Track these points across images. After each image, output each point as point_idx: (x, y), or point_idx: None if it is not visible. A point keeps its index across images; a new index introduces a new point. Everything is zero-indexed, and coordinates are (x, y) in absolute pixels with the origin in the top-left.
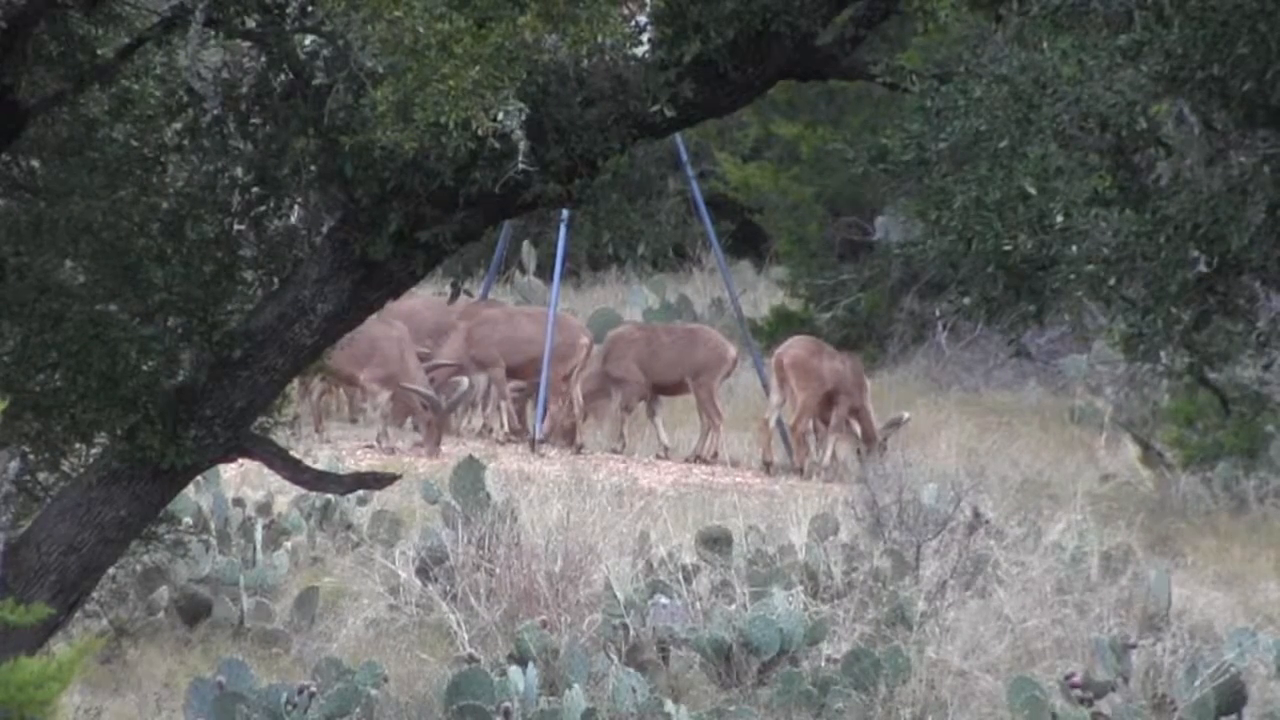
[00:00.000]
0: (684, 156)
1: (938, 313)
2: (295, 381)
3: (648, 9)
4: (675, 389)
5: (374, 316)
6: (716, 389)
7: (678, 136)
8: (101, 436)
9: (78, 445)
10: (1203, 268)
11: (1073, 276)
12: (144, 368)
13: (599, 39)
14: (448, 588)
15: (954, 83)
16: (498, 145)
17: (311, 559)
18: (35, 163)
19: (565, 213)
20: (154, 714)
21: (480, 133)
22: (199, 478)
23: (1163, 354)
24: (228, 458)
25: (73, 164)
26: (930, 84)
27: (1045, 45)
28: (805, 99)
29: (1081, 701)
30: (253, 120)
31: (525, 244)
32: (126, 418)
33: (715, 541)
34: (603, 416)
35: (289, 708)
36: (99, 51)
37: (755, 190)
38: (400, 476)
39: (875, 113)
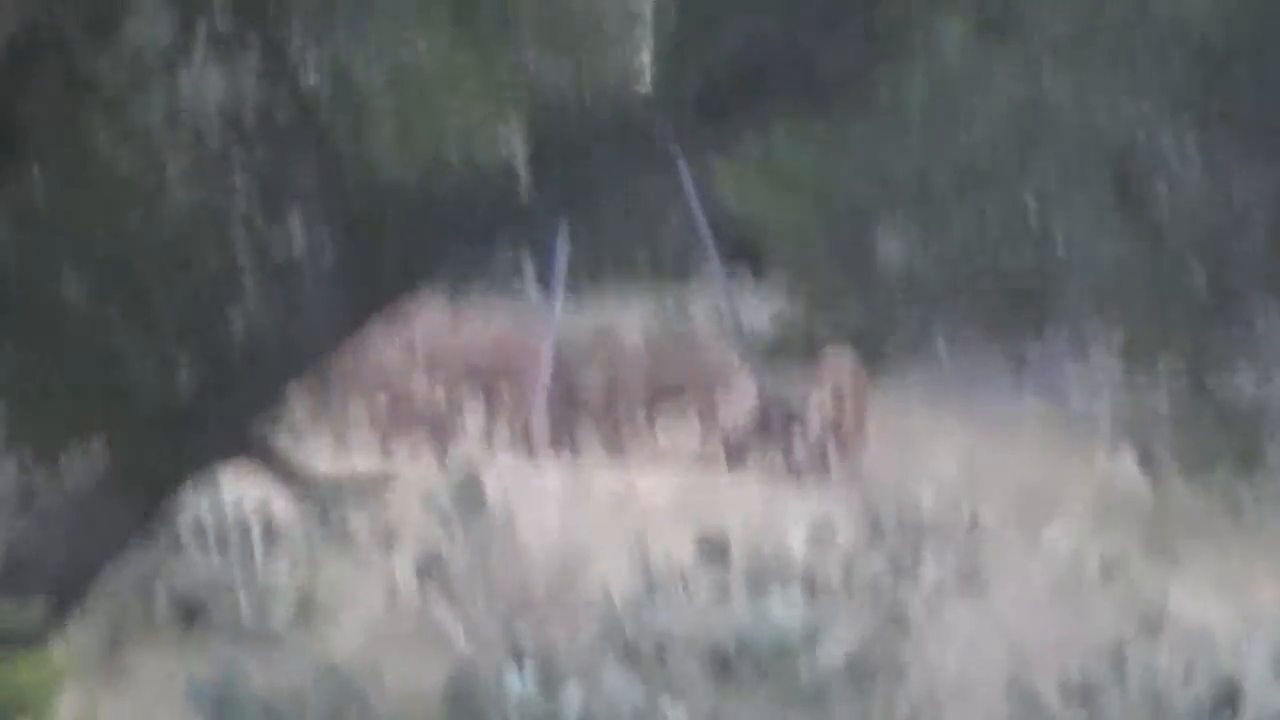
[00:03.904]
0: (684, 171)
1: (937, 326)
2: (298, 386)
3: (650, 45)
4: (678, 395)
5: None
6: (719, 395)
7: (678, 150)
8: (101, 438)
9: (77, 446)
10: (1203, 291)
11: (1073, 298)
12: (143, 370)
13: (602, 75)
14: (446, 589)
15: (956, 105)
16: (500, 177)
17: (310, 560)
18: (36, 186)
19: (564, 226)
20: (152, 714)
21: (482, 165)
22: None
23: (1161, 362)
24: (227, 460)
25: (73, 188)
26: (932, 106)
27: (1047, 74)
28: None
29: (1079, 705)
30: (255, 148)
31: (524, 255)
32: (126, 420)
33: (713, 544)
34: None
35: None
36: (101, 82)
37: (755, 203)
38: (397, 478)
39: (876, 130)
